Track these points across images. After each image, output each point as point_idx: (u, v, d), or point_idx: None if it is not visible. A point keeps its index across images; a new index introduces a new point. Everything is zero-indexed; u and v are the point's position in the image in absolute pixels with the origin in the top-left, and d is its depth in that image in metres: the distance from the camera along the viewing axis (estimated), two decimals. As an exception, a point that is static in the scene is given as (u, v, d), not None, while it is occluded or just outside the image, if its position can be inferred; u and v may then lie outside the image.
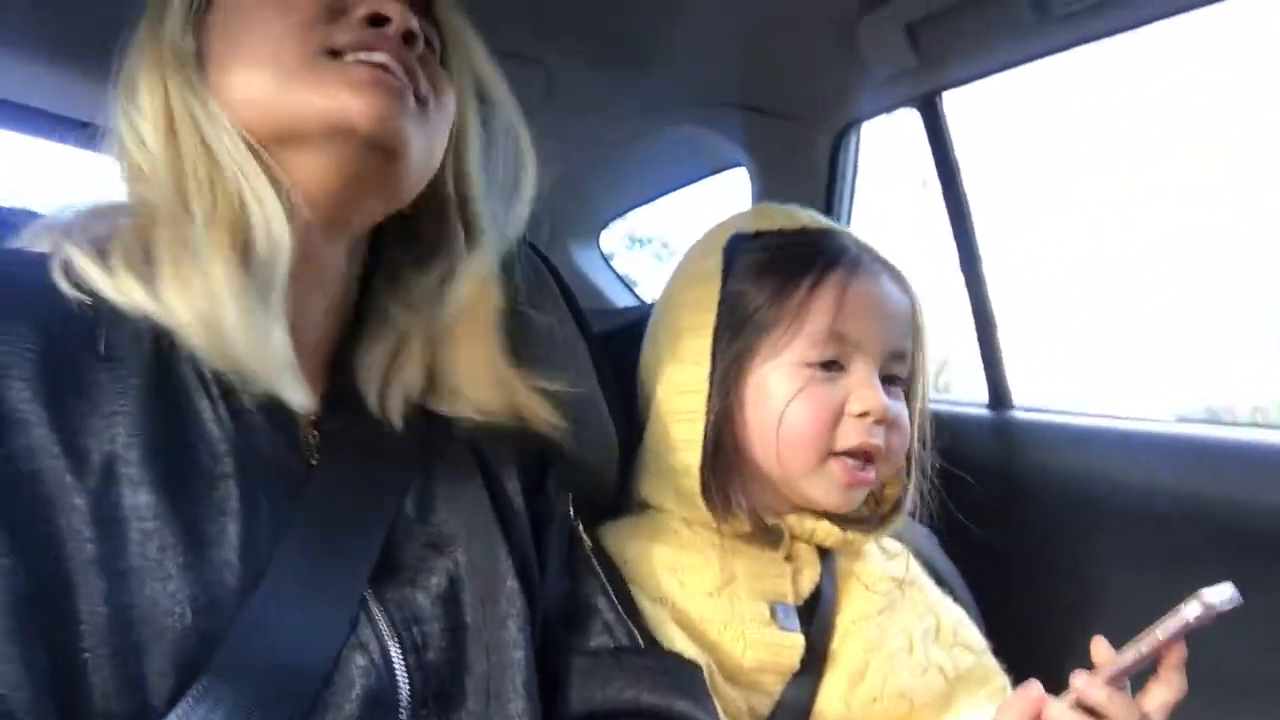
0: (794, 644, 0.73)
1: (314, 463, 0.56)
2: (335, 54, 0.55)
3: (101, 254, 0.53)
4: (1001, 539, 1.19)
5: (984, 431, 1.40)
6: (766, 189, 1.51)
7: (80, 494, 0.46)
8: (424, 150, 0.58)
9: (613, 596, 0.66)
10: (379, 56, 0.56)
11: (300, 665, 0.49)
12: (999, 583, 0.99)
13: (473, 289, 0.64)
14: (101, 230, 0.55)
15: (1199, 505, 1.14)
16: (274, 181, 0.54)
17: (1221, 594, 0.64)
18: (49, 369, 0.48)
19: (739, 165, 1.57)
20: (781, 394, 0.74)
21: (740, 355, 0.76)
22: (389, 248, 0.65)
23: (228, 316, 0.50)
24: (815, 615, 0.75)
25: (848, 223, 1.50)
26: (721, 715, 0.66)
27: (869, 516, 0.82)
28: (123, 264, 0.52)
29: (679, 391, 0.76)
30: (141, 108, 0.56)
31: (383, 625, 0.53)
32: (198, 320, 0.51)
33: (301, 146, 0.55)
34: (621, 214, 1.99)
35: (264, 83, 0.54)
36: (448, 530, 0.59)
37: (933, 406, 1.53)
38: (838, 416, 0.75)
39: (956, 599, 0.89)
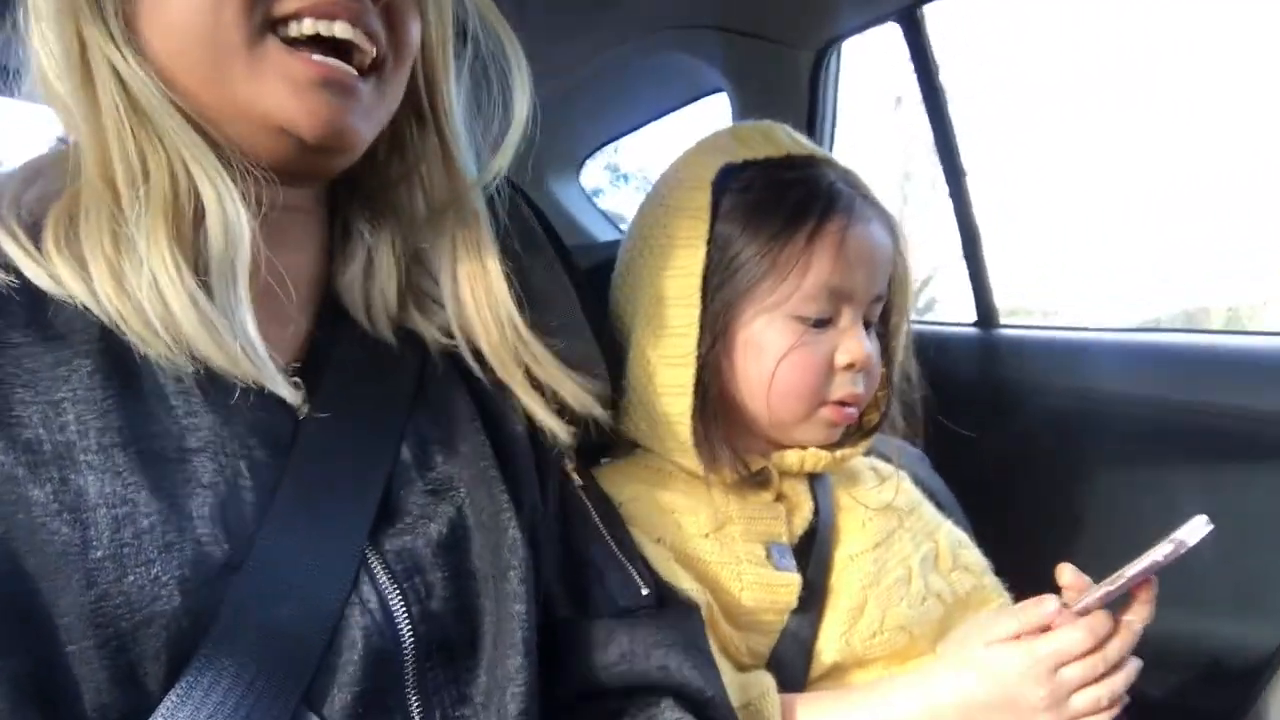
0: (790, 583, 0.73)
1: (300, 418, 0.53)
2: (281, 24, 0.49)
3: (36, 227, 0.48)
4: (994, 456, 1.22)
5: (972, 350, 1.41)
6: (747, 113, 1.48)
7: (36, 485, 0.44)
8: (378, 122, 0.55)
9: (610, 545, 0.65)
10: (338, 28, 0.50)
11: (300, 629, 0.48)
12: (993, 500, 1.00)
13: (445, 198, 0.61)
14: (34, 196, 0.50)
15: (1180, 410, 1.16)
16: (221, 155, 0.50)
17: (1193, 530, 0.65)
18: None
19: (719, 90, 1.54)
20: (775, 348, 0.74)
21: (731, 302, 0.74)
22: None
23: (184, 324, 0.47)
24: (812, 553, 0.76)
25: (830, 144, 1.48)
26: (717, 655, 0.66)
27: (850, 434, 0.82)
28: (54, 246, 0.47)
29: (666, 334, 0.74)
30: (47, 37, 0.49)
31: (383, 578, 0.52)
32: (150, 327, 0.47)
33: (240, 127, 0.51)
34: (601, 145, 1.96)
35: (196, 58, 0.49)
36: (448, 476, 0.57)
37: (921, 327, 1.54)
38: (829, 370, 0.75)
39: (951, 517, 0.90)
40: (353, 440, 0.54)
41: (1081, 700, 0.66)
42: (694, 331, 0.73)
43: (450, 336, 0.61)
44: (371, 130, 0.55)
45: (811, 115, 1.44)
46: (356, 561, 0.51)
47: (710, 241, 0.74)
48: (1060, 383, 1.30)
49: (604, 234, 2.01)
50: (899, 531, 0.80)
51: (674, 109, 1.73)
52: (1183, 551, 0.65)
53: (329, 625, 0.49)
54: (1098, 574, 0.70)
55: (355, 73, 0.52)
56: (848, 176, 0.78)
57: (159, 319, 0.47)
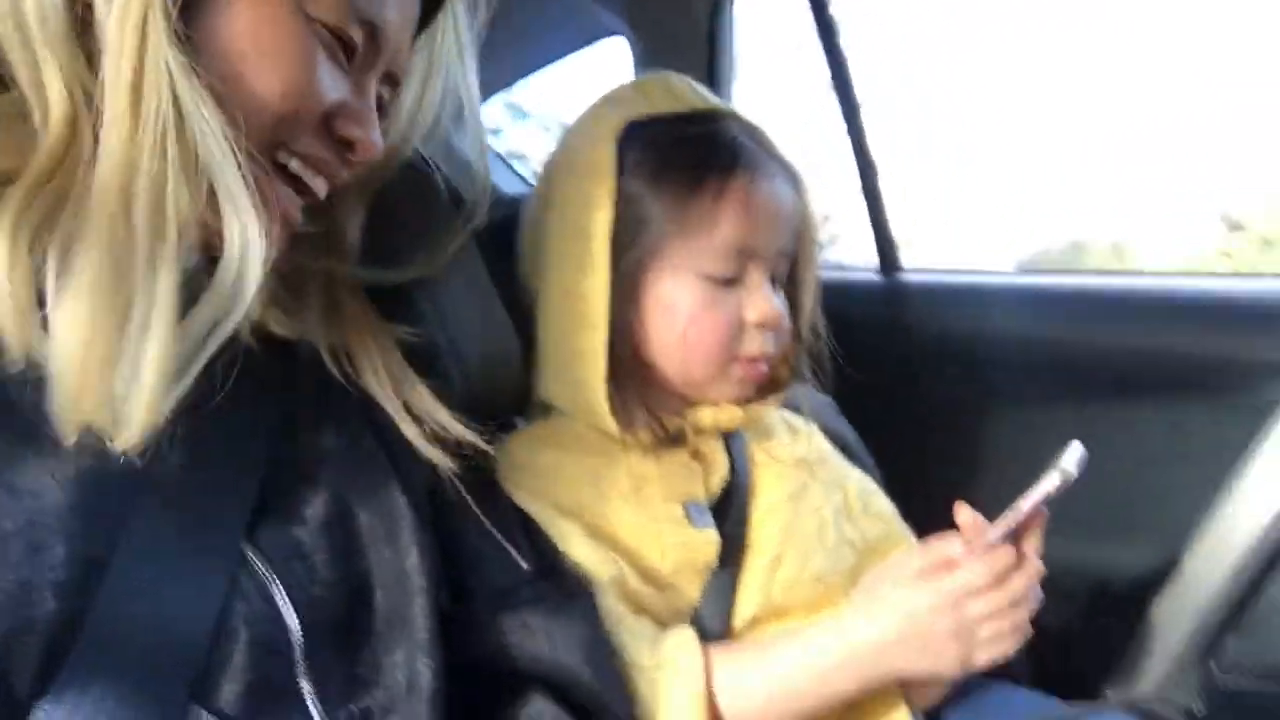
0: (709, 541, 0.73)
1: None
2: (281, 154, 0.50)
3: None
4: (899, 400, 1.25)
5: (875, 295, 1.43)
6: (647, 58, 1.45)
7: None
8: None
9: (485, 524, 0.63)
10: (318, 185, 0.53)
11: (177, 627, 0.46)
12: (898, 442, 1.03)
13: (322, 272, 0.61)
14: None
15: (1076, 349, 1.22)
16: (264, 201, 0.47)
17: (1073, 458, 0.68)
18: None
19: (618, 34, 1.50)
20: (684, 308, 0.73)
21: (640, 262, 0.73)
22: None
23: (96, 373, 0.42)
24: (729, 509, 0.76)
25: (730, 92, 1.47)
26: (635, 617, 0.67)
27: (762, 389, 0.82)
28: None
29: (575, 297, 0.73)
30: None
31: (260, 568, 0.49)
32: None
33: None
34: (496, 90, 1.89)
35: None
36: (328, 461, 0.55)
37: (824, 274, 1.56)
38: (739, 327, 0.74)
39: (859, 463, 0.92)
40: (222, 434, 0.51)
41: (986, 632, 0.68)
42: (604, 293, 0.72)
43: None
44: None
45: (711, 62, 1.42)
46: (232, 555, 0.49)
47: (617, 201, 0.72)
48: (962, 325, 1.34)
49: (505, 180, 1.95)
50: (812, 483, 0.81)
51: (571, 52, 1.68)
52: (1071, 481, 0.68)
53: (207, 622, 0.46)
54: (1004, 511, 0.72)
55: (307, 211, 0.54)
56: (751, 131, 0.77)
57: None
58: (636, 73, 1.47)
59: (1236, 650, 1.09)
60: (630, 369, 0.74)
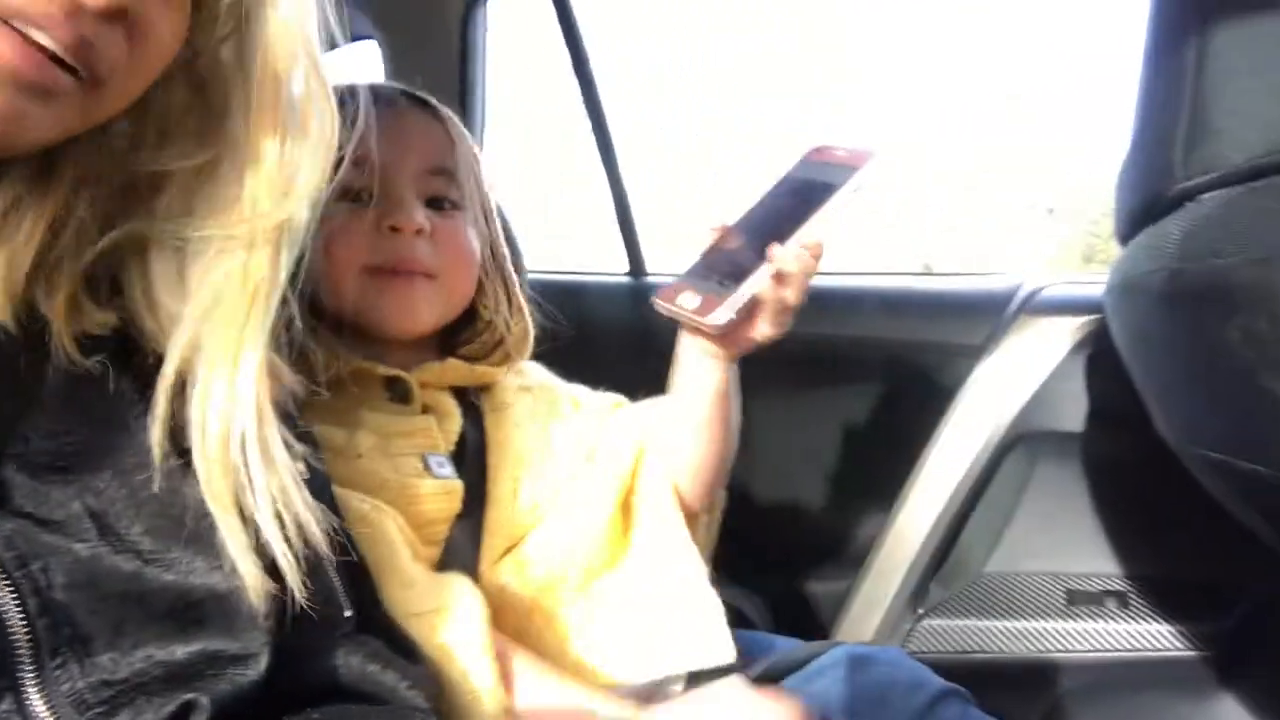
0: (452, 490, 0.75)
1: None
2: None
3: None
4: (648, 389, 1.33)
5: (623, 298, 1.51)
6: (397, 61, 1.45)
7: None
8: (75, 123, 0.45)
9: (325, 553, 0.56)
10: (39, 36, 0.41)
11: None
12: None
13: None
14: None
15: (795, 340, 1.36)
16: None
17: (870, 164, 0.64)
18: None
19: (368, 38, 1.49)
20: (326, 229, 0.74)
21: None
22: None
23: None
24: (466, 458, 0.79)
25: (482, 97, 1.50)
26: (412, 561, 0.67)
27: (491, 353, 0.87)
28: None
29: None
30: None
31: None
32: None
33: None
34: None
35: None
36: (86, 451, 0.47)
37: (577, 277, 1.62)
38: (374, 237, 0.78)
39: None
40: None
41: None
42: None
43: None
44: (67, 125, 0.44)
45: (463, 66, 1.44)
46: None
47: None
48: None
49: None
50: (535, 403, 0.85)
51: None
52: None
53: None
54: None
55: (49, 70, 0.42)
56: (384, 88, 0.84)
57: None
58: (387, 77, 1.46)
59: (937, 594, 1.27)
60: (330, 322, 0.76)
